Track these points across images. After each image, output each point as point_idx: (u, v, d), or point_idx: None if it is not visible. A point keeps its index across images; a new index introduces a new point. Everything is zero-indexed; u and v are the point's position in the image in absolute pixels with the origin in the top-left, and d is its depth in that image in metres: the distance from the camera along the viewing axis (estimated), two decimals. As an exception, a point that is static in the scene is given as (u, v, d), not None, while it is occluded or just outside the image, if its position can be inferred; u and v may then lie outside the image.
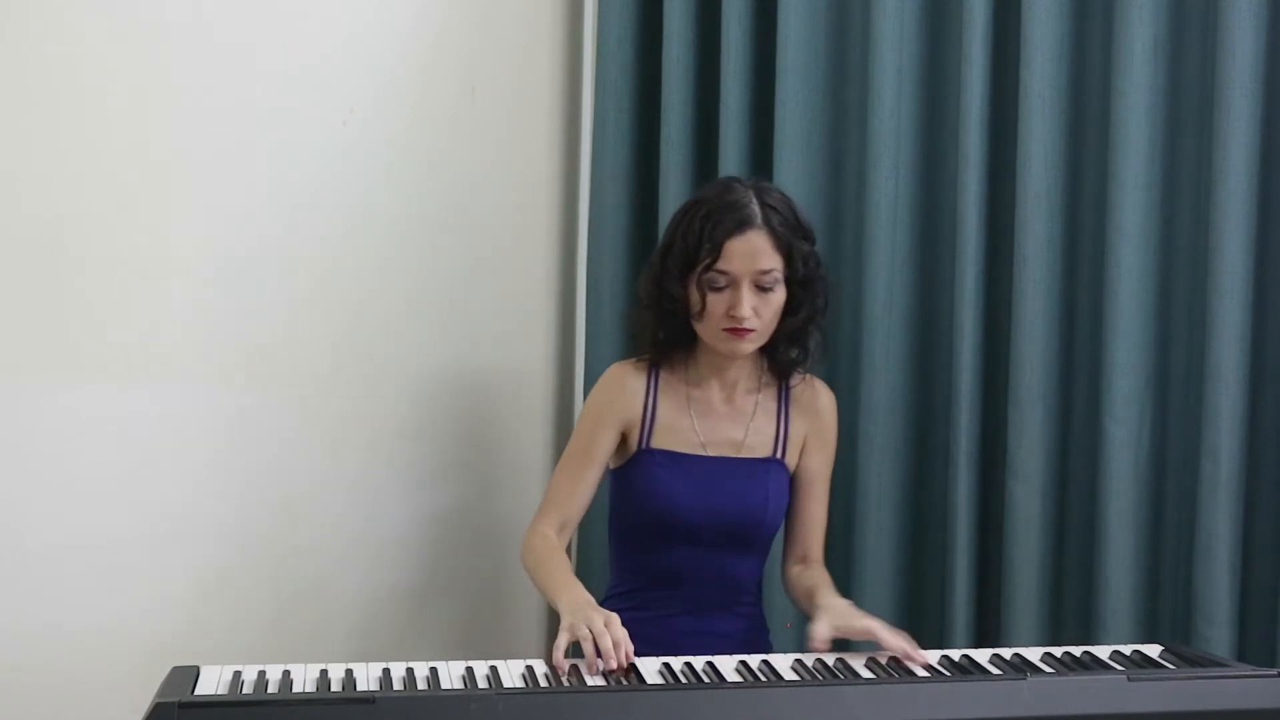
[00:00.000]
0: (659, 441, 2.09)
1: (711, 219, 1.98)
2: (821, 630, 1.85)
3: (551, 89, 2.69)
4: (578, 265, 2.73)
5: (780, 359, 2.10)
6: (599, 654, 1.73)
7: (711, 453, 2.09)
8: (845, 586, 2.46)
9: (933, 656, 1.81)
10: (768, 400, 2.13)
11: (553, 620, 2.73)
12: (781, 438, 2.12)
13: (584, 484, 2.08)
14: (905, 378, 2.46)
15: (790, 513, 2.16)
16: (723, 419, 2.11)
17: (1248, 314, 2.17)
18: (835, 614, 1.90)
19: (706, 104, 2.58)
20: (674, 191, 2.52)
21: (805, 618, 2.50)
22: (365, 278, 2.34)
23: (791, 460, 2.13)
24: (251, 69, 2.14)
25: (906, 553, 2.48)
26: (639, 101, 2.64)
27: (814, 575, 2.10)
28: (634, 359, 2.14)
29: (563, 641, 1.76)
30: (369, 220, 2.34)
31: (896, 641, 1.80)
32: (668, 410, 2.10)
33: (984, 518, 2.41)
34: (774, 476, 2.10)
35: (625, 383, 2.11)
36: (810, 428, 2.14)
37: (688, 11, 2.55)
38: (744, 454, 2.10)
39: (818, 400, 2.15)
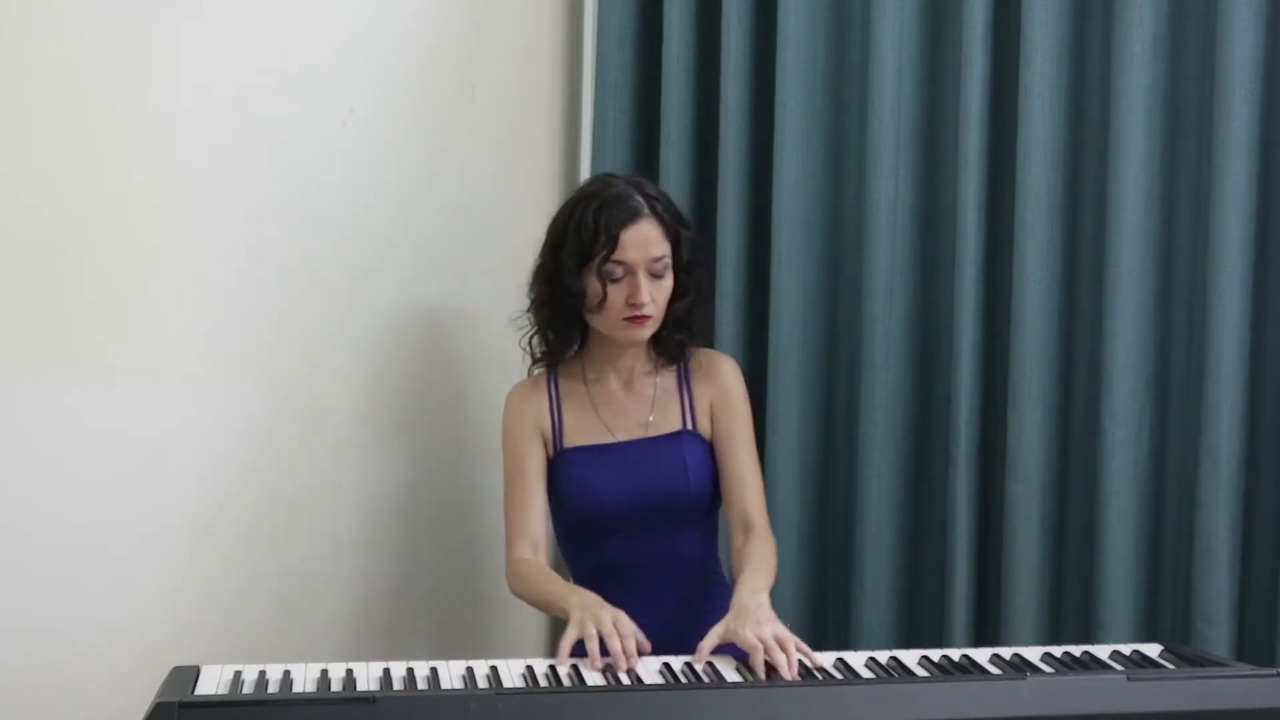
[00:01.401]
0: (570, 440, 2.12)
1: (604, 212, 2.03)
2: (707, 640, 1.81)
3: (551, 89, 2.69)
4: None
5: (667, 343, 2.15)
6: (605, 653, 1.75)
7: (621, 438, 2.12)
8: (845, 586, 2.46)
9: (828, 659, 1.79)
10: (667, 380, 2.17)
11: (554, 620, 2.73)
12: (688, 409, 2.15)
13: (534, 502, 2.11)
14: (905, 378, 2.46)
15: (721, 479, 2.14)
16: (626, 405, 2.14)
17: (1247, 314, 2.17)
18: (732, 618, 1.84)
19: (706, 104, 2.58)
20: (674, 191, 2.51)
21: (813, 617, 2.50)
22: (365, 277, 2.34)
23: (704, 428, 2.15)
24: (251, 69, 2.14)
25: (906, 553, 2.48)
26: (639, 101, 2.64)
27: (751, 557, 2.03)
28: (528, 378, 2.19)
29: (571, 636, 1.78)
30: (369, 220, 2.34)
31: (765, 661, 1.74)
32: (572, 410, 2.14)
33: (984, 518, 2.41)
34: (688, 445, 2.12)
35: (526, 397, 2.15)
36: (714, 393, 2.16)
37: (688, 11, 2.55)
38: (654, 432, 2.13)
39: (716, 366, 2.18)
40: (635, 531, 2.09)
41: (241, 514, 2.18)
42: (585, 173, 2.68)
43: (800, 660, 1.75)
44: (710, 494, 2.14)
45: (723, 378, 2.17)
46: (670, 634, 1.90)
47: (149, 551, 2.06)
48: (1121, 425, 2.24)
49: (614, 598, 1.91)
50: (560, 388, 2.15)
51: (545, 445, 2.14)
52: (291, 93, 2.20)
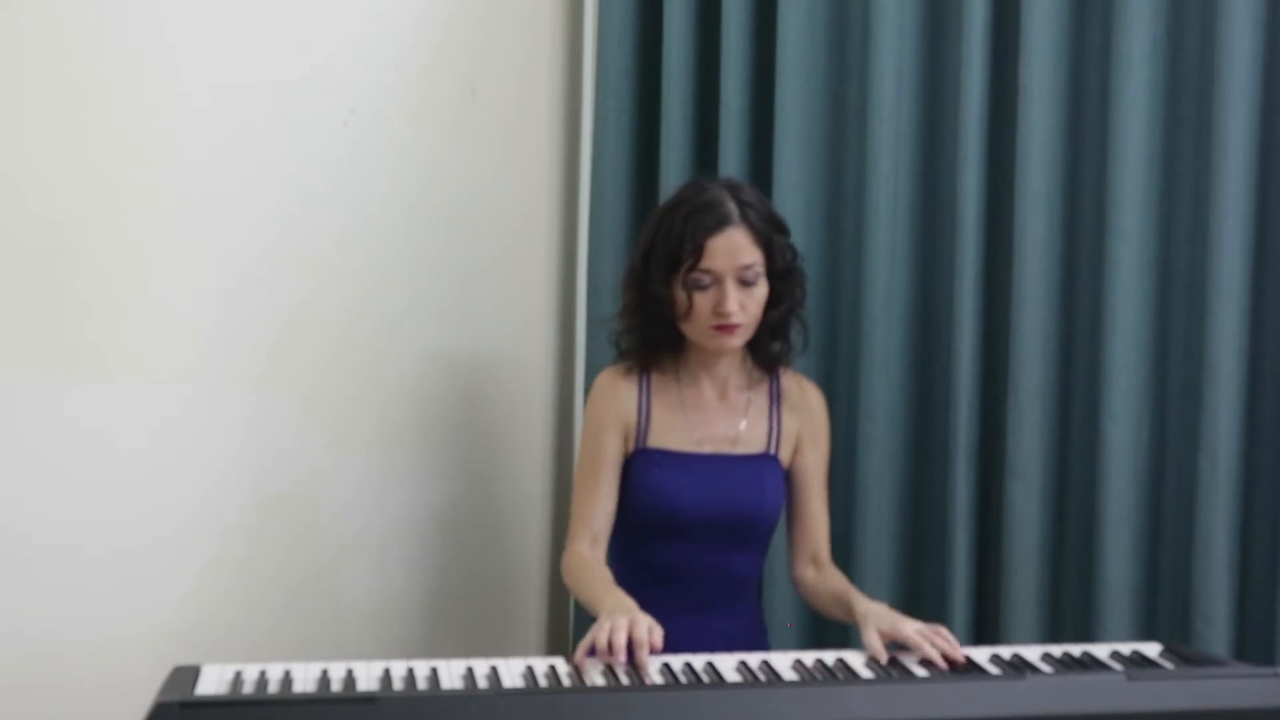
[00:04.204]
0: (654, 441, 2.10)
1: (691, 220, 2.00)
2: (875, 640, 1.86)
3: (551, 89, 2.69)
4: (578, 265, 2.73)
5: (764, 352, 2.13)
6: (611, 650, 1.73)
7: (707, 450, 2.11)
8: (845, 586, 2.46)
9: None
10: (759, 397, 2.15)
11: (554, 619, 2.74)
12: (775, 434, 2.13)
13: (603, 494, 2.09)
14: (905, 377, 2.46)
15: (793, 513, 2.17)
16: (717, 416, 2.12)
17: (1246, 313, 2.17)
18: (881, 619, 1.90)
19: (706, 104, 2.58)
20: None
21: (813, 618, 2.52)
22: (366, 277, 2.34)
23: (785, 456, 2.14)
24: (253, 70, 2.15)
25: (906, 553, 2.48)
26: (639, 101, 2.64)
27: (838, 579, 2.11)
28: (622, 365, 2.16)
29: (586, 641, 1.77)
30: (370, 220, 2.34)
31: (936, 650, 1.81)
32: (661, 410, 2.11)
33: (983, 517, 2.41)
34: (769, 471, 2.11)
35: (616, 387, 2.13)
36: (803, 425, 2.15)
37: (688, 11, 2.56)
38: (739, 450, 2.12)
39: (807, 398, 2.17)
40: (694, 541, 2.08)
41: (241, 515, 2.18)
42: (585, 173, 2.69)
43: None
44: (778, 520, 2.14)
45: (814, 412, 2.17)
46: (699, 639, 1.90)
47: (149, 552, 2.06)
48: (1121, 425, 2.25)
49: (655, 597, 1.91)
50: (653, 383, 2.13)
51: (626, 438, 2.11)
52: (293, 93, 2.21)
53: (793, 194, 2.46)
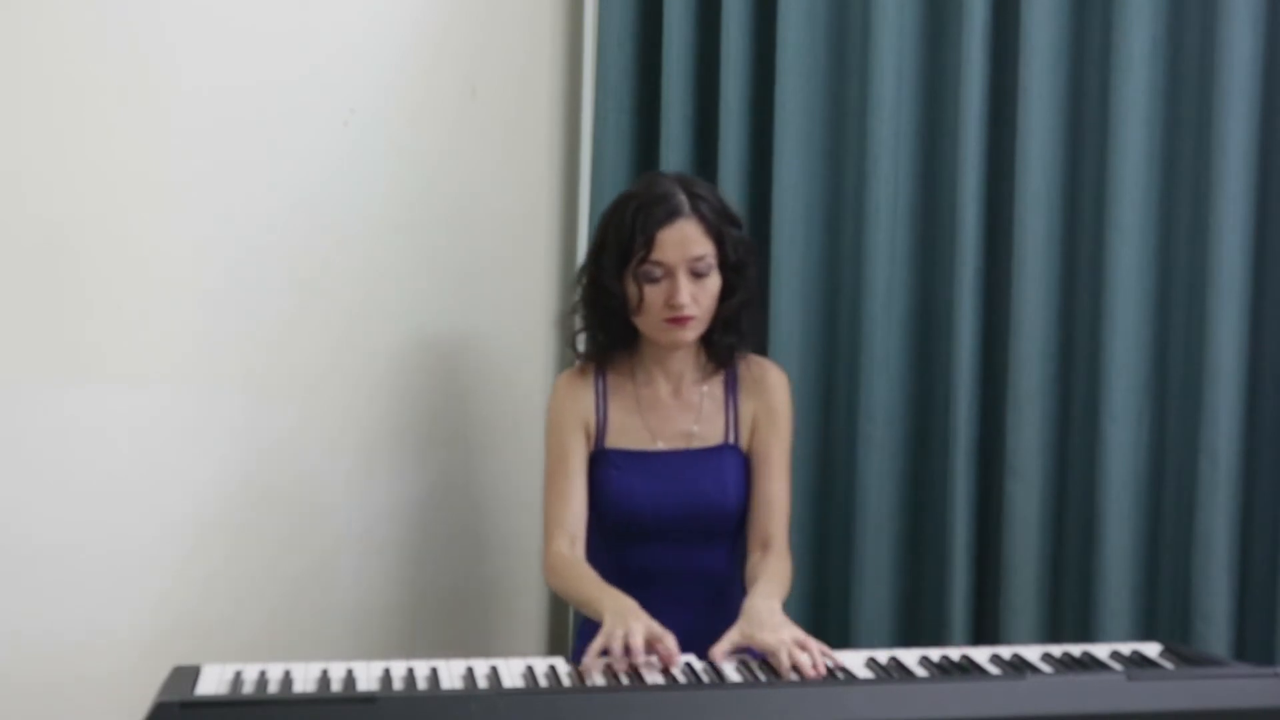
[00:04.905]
0: (612, 442, 2.11)
1: (642, 212, 2.01)
2: (724, 645, 1.81)
3: (551, 89, 2.69)
4: (578, 265, 2.73)
5: (717, 345, 2.12)
6: (627, 651, 1.73)
7: (664, 447, 2.11)
8: (845, 586, 2.46)
9: (854, 658, 1.80)
10: (714, 389, 2.14)
11: (554, 618, 2.74)
12: (732, 422, 2.13)
13: (574, 494, 2.09)
14: (905, 377, 2.46)
15: (748, 495, 2.13)
16: (672, 412, 2.12)
17: (1246, 313, 2.17)
18: (749, 621, 1.85)
19: (706, 104, 2.58)
20: (674, 191, 2.52)
21: (813, 618, 2.51)
22: (365, 278, 2.34)
23: (745, 442, 2.13)
24: (253, 70, 2.15)
25: (905, 552, 2.48)
26: (639, 101, 2.64)
27: (765, 567, 2.04)
28: (576, 367, 2.16)
29: (598, 644, 1.76)
30: (369, 221, 2.34)
31: (790, 661, 1.75)
32: (618, 410, 2.12)
33: (983, 517, 2.41)
34: (729, 462, 2.11)
35: (574, 388, 2.13)
36: (758, 405, 2.13)
37: (688, 11, 2.56)
38: (696, 445, 2.11)
39: (765, 378, 2.15)
40: (664, 541, 2.08)
41: (240, 514, 2.18)
42: (585, 172, 2.69)
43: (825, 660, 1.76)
44: (745, 512, 2.13)
45: (770, 391, 2.14)
46: (684, 641, 1.90)
47: (149, 552, 2.06)
48: (1120, 424, 2.25)
49: (637, 599, 1.90)
50: (609, 383, 2.13)
51: (588, 438, 2.12)
52: (292, 93, 2.21)
53: (793, 194, 2.46)
